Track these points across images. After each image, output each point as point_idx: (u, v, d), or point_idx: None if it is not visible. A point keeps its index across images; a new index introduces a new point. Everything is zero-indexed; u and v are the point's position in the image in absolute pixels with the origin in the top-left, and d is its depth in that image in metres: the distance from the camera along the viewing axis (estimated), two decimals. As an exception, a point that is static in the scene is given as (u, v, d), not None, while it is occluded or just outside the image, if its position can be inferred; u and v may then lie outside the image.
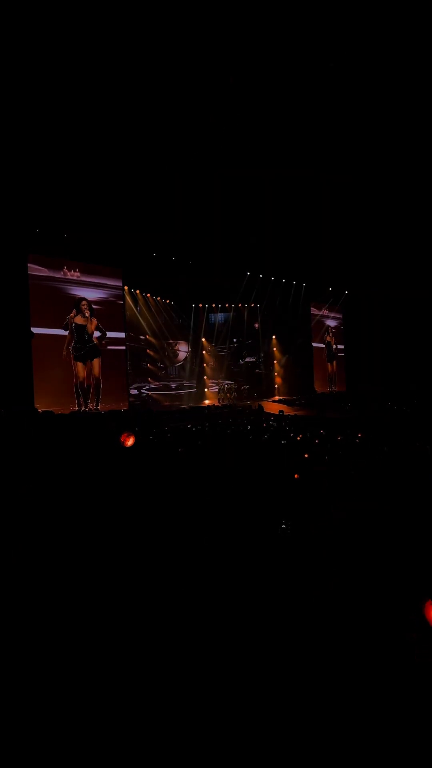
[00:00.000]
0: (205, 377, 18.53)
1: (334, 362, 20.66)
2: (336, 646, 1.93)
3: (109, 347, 13.96)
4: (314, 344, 19.37)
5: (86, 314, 13.43)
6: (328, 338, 20.27)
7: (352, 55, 9.29)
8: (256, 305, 18.64)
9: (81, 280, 13.20)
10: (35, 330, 11.86)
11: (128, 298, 14.92)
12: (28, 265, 11.75)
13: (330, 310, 20.27)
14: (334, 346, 20.61)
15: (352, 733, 1.53)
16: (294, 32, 8.80)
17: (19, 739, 1.58)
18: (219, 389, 17.64)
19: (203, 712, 1.64)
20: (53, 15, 7.86)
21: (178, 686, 1.77)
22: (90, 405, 13.31)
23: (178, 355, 17.76)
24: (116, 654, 1.97)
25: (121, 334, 14.38)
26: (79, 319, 13.25)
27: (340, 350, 20.88)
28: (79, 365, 13.36)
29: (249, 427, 9.51)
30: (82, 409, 13.00)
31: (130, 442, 5.68)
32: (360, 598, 2.25)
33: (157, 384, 16.75)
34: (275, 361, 19.17)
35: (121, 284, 14.23)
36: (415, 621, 1.92)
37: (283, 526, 2.88)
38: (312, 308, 19.33)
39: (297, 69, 9.62)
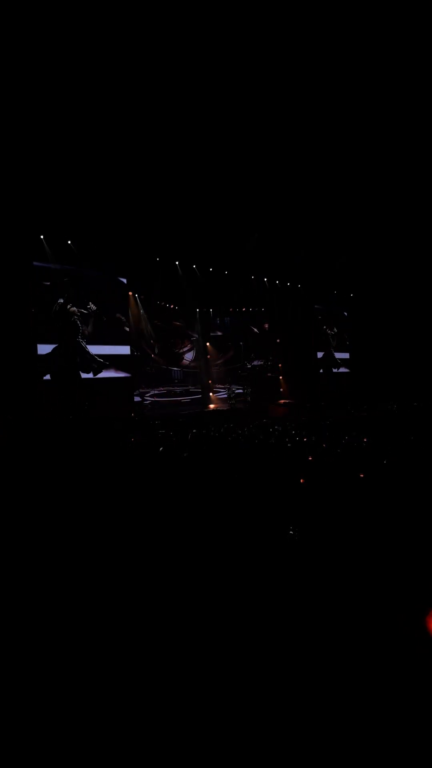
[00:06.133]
0: (210, 381, 18.51)
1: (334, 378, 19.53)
2: (341, 651, 1.90)
3: (114, 353, 13.66)
4: (318, 352, 19.12)
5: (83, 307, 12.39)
6: (330, 334, 19.59)
7: (352, 56, 9.30)
8: (261, 309, 18.64)
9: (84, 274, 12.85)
10: (41, 349, 11.75)
11: (132, 303, 14.96)
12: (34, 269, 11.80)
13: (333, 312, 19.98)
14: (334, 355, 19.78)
15: (353, 733, 1.51)
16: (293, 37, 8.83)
17: (19, 738, 1.57)
18: (228, 394, 17.58)
19: (207, 712, 1.62)
20: (57, 26, 7.94)
21: (182, 687, 1.74)
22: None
23: (182, 360, 17.76)
24: (118, 656, 1.95)
25: (126, 349, 14.18)
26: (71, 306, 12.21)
27: (342, 361, 20.09)
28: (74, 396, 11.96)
29: (254, 430, 9.47)
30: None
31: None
32: (366, 603, 2.21)
33: (162, 389, 16.75)
34: (279, 365, 19.12)
35: (125, 280, 14.13)
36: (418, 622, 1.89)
37: (291, 532, 2.85)
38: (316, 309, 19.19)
39: (299, 70, 9.64)
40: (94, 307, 12.92)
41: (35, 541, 3.31)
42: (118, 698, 1.74)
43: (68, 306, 12.43)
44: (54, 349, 12.08)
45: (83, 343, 12.70)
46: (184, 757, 1.49)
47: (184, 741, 1.55)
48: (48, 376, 11.91)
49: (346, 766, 1.45)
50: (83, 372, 12.68)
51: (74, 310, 12.49)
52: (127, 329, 14.15)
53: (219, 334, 18.71)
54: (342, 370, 20.02)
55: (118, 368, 13.80)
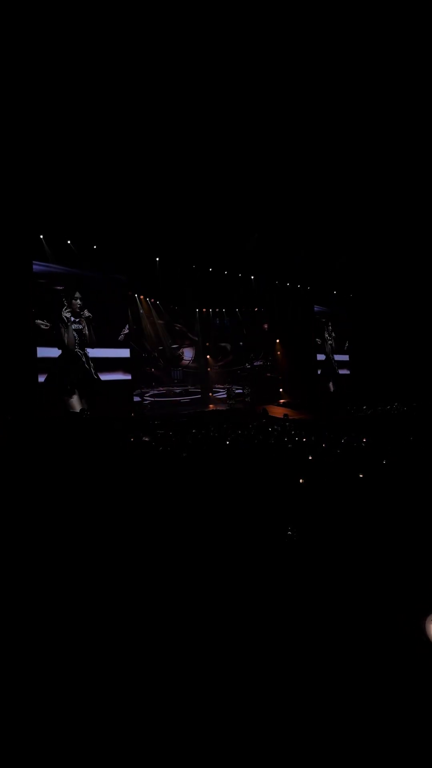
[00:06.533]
0: (209, 382, 18.51)
1: (331, 384, 19.65)
2: (340, 652, 1.90)
3: (114, 356, 13.64)
4: (318, 355, 19.07)
5: (78, 310, 12.48)
6: (327, 337, 19.57)
7: (351, 56, 9.30)
8: (260, 309, 18.65)
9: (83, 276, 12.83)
10: (41, 352, 11.71)
11: (132, 303, 14.98)
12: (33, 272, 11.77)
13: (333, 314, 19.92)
14: (333, 357, 19.89)
15: (352, 734, 1.51)
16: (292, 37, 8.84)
17: (19, 739, 1.57)
18: (227, 394, 17.58)
19: (206, 714, 1.62)
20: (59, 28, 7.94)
21: (181, 688, 1.75)
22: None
23: (182, 360, 17.77)
24: (118, 654, 1.95)
25: (126, 352, 14.15)
26: (70, 313, 12.24)
27: (342, 364, 20.20)
28: (74, 400, 12.21)
29: (254, 431, 9.48)
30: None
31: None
32: (366, 605, 2.21)
33: (161, 389, 16.75)
34: (278, 365, 19.14)
35: (125, 280, 14.11)
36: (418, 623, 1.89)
37: (289, 532, 2.85)
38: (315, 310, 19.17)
39: (299, 70, 9.64)
40: (88, 314, 12.94)
41: (35, 540, 3.32)
42: (118, 697, 1.74)
43: (68, 315, 12.47)
44: (60, 356, 12.23)
45: (80, 352, 12.71)
46: (184, 757, 1.49)
47: (184, 740, 1.55)
48: (44, 378, 11.93)
49: (346, 766, 1.46)
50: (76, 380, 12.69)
51: (71, 317, 12.50)
52: (126, 331, 14.16)
53: (218, 336, 18.72)
54: (342, 371, 20.04)
55: (118, 370, 13.76)
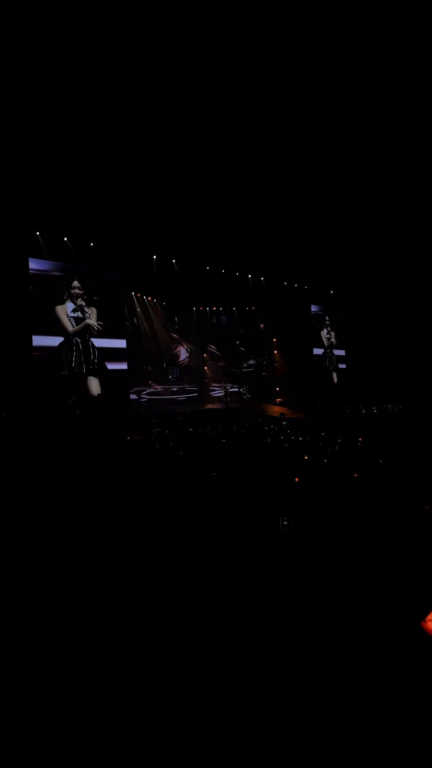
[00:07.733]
0: (206, 380, 18.50)
1: (335, 375, 19.91)
2: (336, 643, 1.91)
3: (110, 348, 13.62)
4: (315, 350, 19.10)
5: (80, 302, 12.55)
6: (327, 336, 19.59)
7: (351, 56, 9.31)
8: (257, 308, 18.65)
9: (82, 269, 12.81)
10: (36, 340, 11.67)
11: (130, 300, 14.95)
12: (29, 268, 11.71)
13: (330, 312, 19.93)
14: (333, 352, 19.85)
15: (351, 731, 1.52)
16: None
17: (20, 738, 1.57)
18: (224, 393, 17.56)
19: (203, 709, 1.63)
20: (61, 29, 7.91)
21: (179, 682, 1.75)
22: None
23: (179, 358, 17.75)
24: (117, 651, 1.96)
25: (123, 343, 14.19)
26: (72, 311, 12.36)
27: (340, 358, 20.21)
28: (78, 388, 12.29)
29: (250, 430, 9.50)
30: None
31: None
32: (361, 598, 2.23)
33: (158, 388, 16.73)
34: (275, 364, 19.15)
35: (123, 279, 14.06)
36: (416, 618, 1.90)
37: (285, 522, 2.86)
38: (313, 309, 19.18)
39: (299, 71, 9.64)
40: (83, 303, 12.91)
41: (33, 536, 3.31)
42: (116, 691, 1.74)
43: (67, 305, 12.47)
44: (61, 344, 12.28)
45: (77, 341, 12.67)
46: (184, 753, 1.49)
47: (183, 732, 1.55)
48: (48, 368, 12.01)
49: (346, 765, 1.46)
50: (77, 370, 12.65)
51: (67, 311, 12.49)
52: (128, 323, 14.15)
53: (215, 335, 18.70)
54: (340, 365, 20.10)
55: (114, 360, 13.69)
